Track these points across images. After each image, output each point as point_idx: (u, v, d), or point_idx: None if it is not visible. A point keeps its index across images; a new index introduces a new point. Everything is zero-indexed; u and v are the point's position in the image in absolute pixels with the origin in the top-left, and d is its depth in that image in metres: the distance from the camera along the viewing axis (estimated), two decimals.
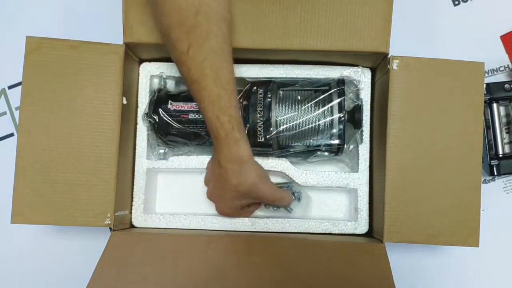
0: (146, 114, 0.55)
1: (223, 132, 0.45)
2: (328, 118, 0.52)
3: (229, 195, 0.50)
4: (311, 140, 0.53)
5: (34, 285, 0.59)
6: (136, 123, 0.57)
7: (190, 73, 0.44)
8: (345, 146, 0.53)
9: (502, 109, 0.59)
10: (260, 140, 0.52)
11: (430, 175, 0.49)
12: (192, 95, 0.46)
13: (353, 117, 0.54)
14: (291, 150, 0.53)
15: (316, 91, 0.53)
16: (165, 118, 0.53)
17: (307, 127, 0.52)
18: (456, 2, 0.63)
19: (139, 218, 0.56)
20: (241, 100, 0.52)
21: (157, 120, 0.53)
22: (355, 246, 0.50)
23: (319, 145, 0.53)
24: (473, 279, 0.59)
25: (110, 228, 0.50)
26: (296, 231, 0.55)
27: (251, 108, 0.51)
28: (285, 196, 0.53)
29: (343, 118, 0.52)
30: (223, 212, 0.55)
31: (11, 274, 0.59)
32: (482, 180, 0.58)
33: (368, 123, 0.56)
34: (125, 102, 0.52)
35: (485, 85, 0.57)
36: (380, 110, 0.53)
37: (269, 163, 0.55)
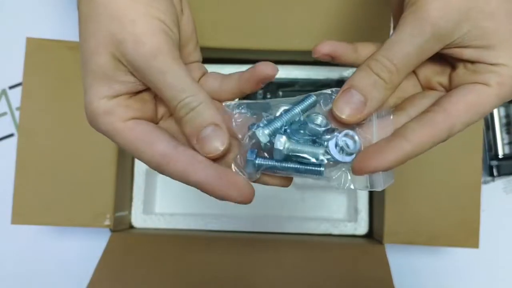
0: None
1: None
2: None
3: (90, 58, 0.27)
4: None
5: (34, 285, 0.59)
6: None
7: None
8: None
9: (502, 109, 0.59)
10: None
11: (430, 175, 0.49)
12: None
13: None
14: None
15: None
16: None
17: None
18: None
19: (138, 219, 0.56)
20: None
21: None
22: (354, 248, 0.50)
23: None
24: (474, 280, 0.59)
25: (110, 229, 0.51)
26: (295, 231, 0.55)
27: None
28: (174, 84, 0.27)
29: None
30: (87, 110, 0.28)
31: (11, 274, 0.59)
32: (482, 180, 0.58)
33: None
34: None
35: None
36: None
37: None
